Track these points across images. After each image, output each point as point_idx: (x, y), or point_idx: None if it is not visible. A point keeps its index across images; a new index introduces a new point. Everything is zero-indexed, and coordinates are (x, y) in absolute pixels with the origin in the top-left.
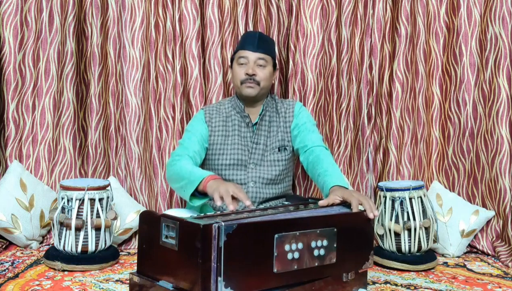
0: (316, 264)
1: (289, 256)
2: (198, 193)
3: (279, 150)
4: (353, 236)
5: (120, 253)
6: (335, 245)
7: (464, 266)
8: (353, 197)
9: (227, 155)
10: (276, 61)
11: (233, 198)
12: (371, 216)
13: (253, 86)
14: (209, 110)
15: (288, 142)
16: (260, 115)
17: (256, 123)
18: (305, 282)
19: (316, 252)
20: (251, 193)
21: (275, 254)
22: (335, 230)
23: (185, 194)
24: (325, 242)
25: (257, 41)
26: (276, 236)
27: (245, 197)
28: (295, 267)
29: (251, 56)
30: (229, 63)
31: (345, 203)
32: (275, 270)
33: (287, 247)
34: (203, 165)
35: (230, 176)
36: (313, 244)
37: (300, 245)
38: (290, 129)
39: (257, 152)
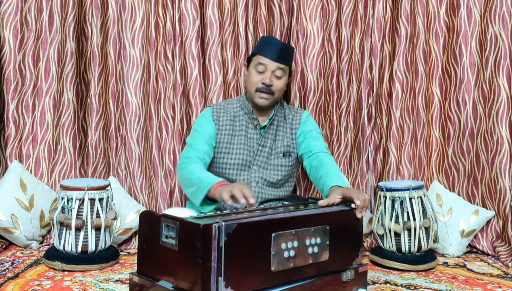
0: (311, 261)
1: (286, 254)
2: (208, 199)
3: (283, 155)
4: (344, 233)
5: (120, 253)
6: (327, 243)
7: (464, 266)
8: (352, 191)
9: (232, 154)
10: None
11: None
12: (358, 215)
13: (267, 97)
14: (217, 109)
15: (293, 148)
16: (270, 119)
17: (264, 127)
18: (302, 279)
19: (310, 250)
20: (252, 192)
21: (273, 252)
22: (328, 227)
23: (196, 201)
24: (318, 240)
25: (279, 51)
26: (273, 234)
27: (250, 194)
28: (291, 265)
29: (271, 65)
30: (245, 62)
31: (345, 202)
32: (272, 269)
33: (283, 246)
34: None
35: (233, 175)
36: (307, 242)
37: (295, 243)
38: (296, 136)
39: (262, 154)
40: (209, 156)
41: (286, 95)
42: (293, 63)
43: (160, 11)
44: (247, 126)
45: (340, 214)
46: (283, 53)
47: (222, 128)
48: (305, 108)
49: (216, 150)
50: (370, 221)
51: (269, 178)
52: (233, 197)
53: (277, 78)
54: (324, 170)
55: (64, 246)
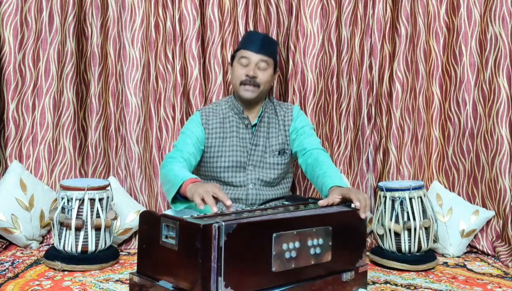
0: (313, 262)
1: (287, 255)
2: (181, 196)
3: (279, 153)
4: (347, 234)
5: (120, 253)
6: (330, 243)
7: (464, 266)
8: (352, 192)
9: (225, 157)
10: (277, 64)
11: (214, 198)
12: (362, 216)
13: (253, 90)
14: (206, 112)
15: (287, 145)
16: (259, 117)
17: (255, 125)
18: (303, 280)
19: (312, 251)
20: (250, 194)
21: (273, 253)
22: (330, 228)
23: (168, 197)
24: (321, 241)
25: (260, 42)
26: (274, 235)
27: (225, 197)
28: (293, 266)
29: (254, 57)
30: (229, 61)
31: (345, 202)
32: (273, 269)
33: (284, 246)
34: (200, 167)
35: (229, 178)
36: (309, 243)
37: (297, 244)
38: (289, 133)
39: (256, 153)
40: (195, 158)
41: (285, 95)
42: (292, 63)
43: (160, 11)
44: (238, 126)
45: (343, 215)
46: (266, 45)
47: (212, 132)
48: (305, 108)
49: (208, 154)
50: (370, 221)
51: (265, 178)
52: (204, 201)
53: (261, 70)
54: (321, 169)
55: (64, 246)
